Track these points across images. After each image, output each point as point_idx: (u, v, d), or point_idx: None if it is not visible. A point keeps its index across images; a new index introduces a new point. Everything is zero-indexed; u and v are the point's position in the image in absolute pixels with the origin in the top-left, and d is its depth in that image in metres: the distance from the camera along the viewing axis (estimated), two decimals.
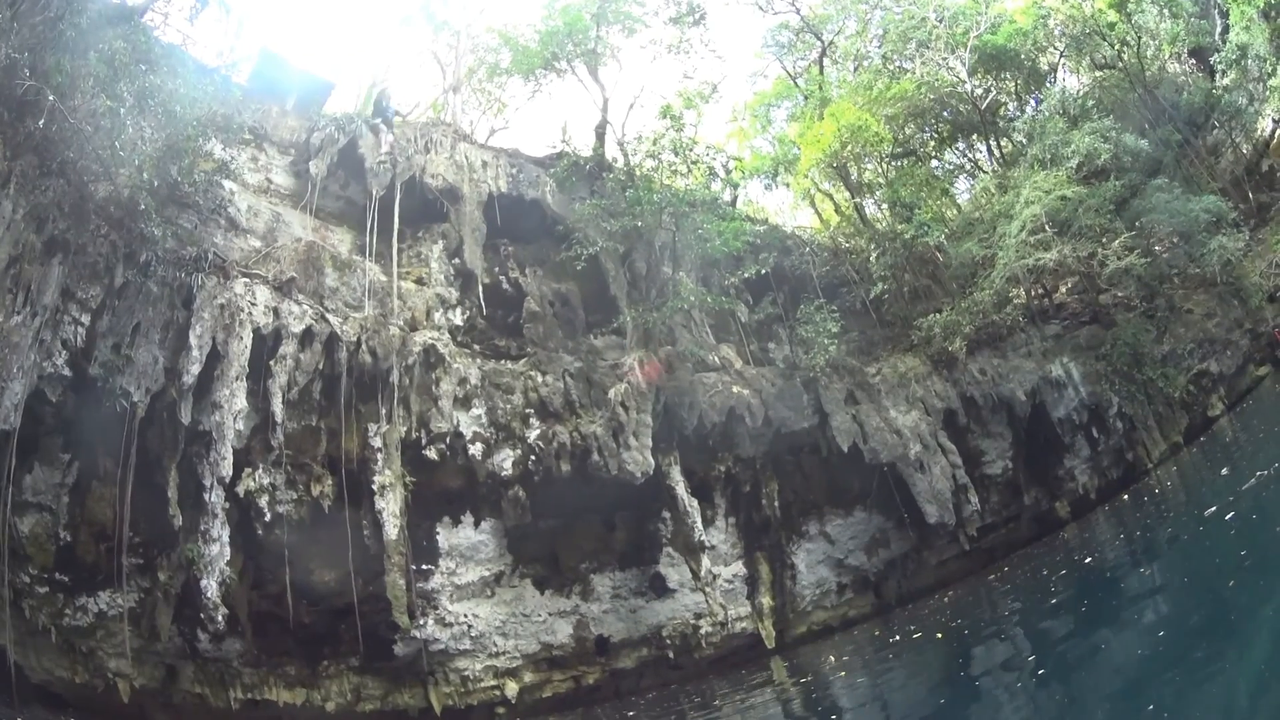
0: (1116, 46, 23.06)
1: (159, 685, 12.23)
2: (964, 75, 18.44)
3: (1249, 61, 22.03)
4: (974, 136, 18.16)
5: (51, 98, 12.41)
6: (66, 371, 12.18)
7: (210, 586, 11.98)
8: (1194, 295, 20.49)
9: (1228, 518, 14.10)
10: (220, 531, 12.22)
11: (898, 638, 14.08)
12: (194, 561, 12.12)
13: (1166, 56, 26.35)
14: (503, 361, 14.88)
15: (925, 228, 16.12)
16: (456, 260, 15.45)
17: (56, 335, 12.32)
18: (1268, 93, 21.99)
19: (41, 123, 12.20)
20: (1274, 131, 23.36)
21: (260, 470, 12.66)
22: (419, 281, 15.68)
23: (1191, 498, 15.76)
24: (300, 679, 13.03)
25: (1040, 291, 16.79)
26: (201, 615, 11.95)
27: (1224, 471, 16.19)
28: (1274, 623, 11.18)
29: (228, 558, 12.21)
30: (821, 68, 19.21)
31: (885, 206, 16.70)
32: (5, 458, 11.82)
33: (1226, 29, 22.59)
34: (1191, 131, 24.73)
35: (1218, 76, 23.82)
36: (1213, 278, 19.30)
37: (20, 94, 12.32)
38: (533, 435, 14.27)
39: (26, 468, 12.02)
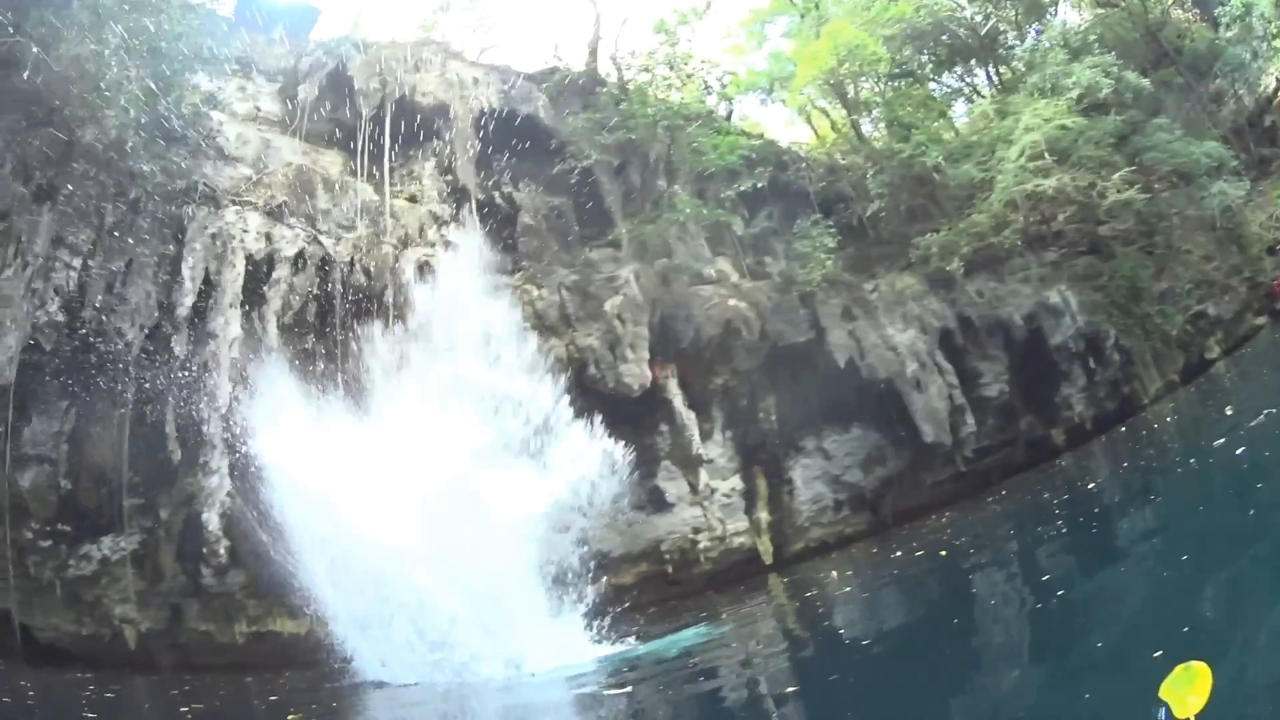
0: None
1: (164, 627, 12.87)
2: (964, 1, 19.64)
3: (1253, 19, 23.26)
4: (972, 62, 19.20)
5: (35, 50, 13.20)
6: (60, 317, 13.04)
7: (212, 519, 12.71)
8: (1193, 237, 21.51)
9: (1238, 451, 14.97)
10: (220, 462, 12.92)
11: (899, 553, 14.73)
12: (194, 495, 12.83)
13: (1170, 2, 27.68)
14: (498, 276, 15.71)
15: (923, 147, 17.09)
16: (449, 177, 16.27)
17: (49, 283, 13.17)
18: (1270, 51, 23.35)
19: (25, 75, 12.93)
20: (1277, 89, 24.70)
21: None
22: (412, 199, 16.46)
23: (1195, 432, 16.49)
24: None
25: (1038, 218, 17.86)
26: (204, 550, 12.67)
27: (1228, 410, 17.11)
28: None
29: (228, 488, 12.88)
30: None
31: (882, 125, 17.69)
32: (3, 412, 12.62)
33: None
34: (1194, 77, 25.97)
35: (1221, 29, 25.04)
36: (1212, 221, 20.39)
37: (3, 51, 12.97)
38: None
39: (25, 420, 12.79)
